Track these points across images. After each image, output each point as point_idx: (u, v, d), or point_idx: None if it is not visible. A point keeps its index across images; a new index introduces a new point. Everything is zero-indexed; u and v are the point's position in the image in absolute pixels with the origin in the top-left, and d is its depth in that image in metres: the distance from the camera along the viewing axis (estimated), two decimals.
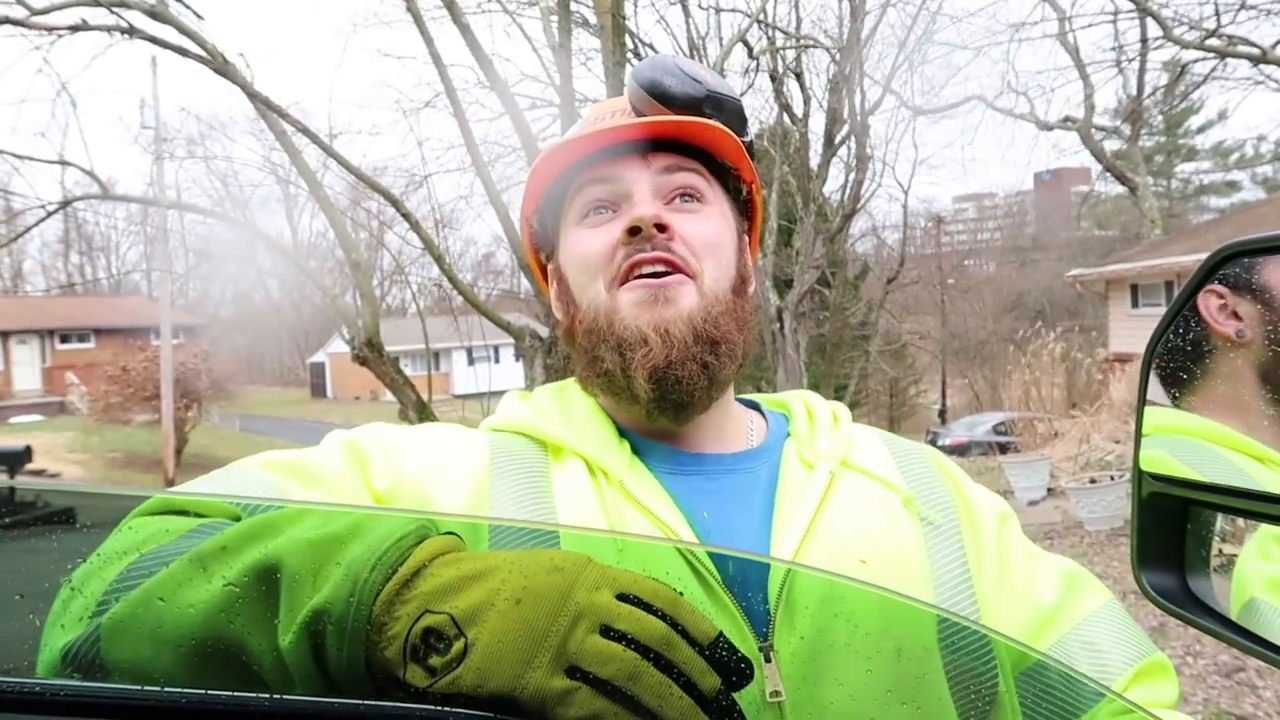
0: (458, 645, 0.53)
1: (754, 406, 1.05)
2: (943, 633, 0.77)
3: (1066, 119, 20.74)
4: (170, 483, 20.28)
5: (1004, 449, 14.01)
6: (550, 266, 1.03)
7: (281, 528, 0.60)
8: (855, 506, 0.88)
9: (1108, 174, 22.48)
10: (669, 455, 0.92)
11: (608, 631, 0.53)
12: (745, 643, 0.75)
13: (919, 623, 0.77)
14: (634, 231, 0.90)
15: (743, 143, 0.99)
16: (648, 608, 0.54)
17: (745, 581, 0.78)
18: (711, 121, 0.95)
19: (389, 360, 7.40)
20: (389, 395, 8.38)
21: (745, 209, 1.04)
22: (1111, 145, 22.07)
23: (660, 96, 0.95)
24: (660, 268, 0.90)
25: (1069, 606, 0.91)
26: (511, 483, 0.87)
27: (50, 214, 9.16)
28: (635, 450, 0.92)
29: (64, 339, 33.31)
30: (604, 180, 0.95)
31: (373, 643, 0.54)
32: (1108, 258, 22.82)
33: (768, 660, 0.75)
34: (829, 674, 0.73)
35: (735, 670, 0.55)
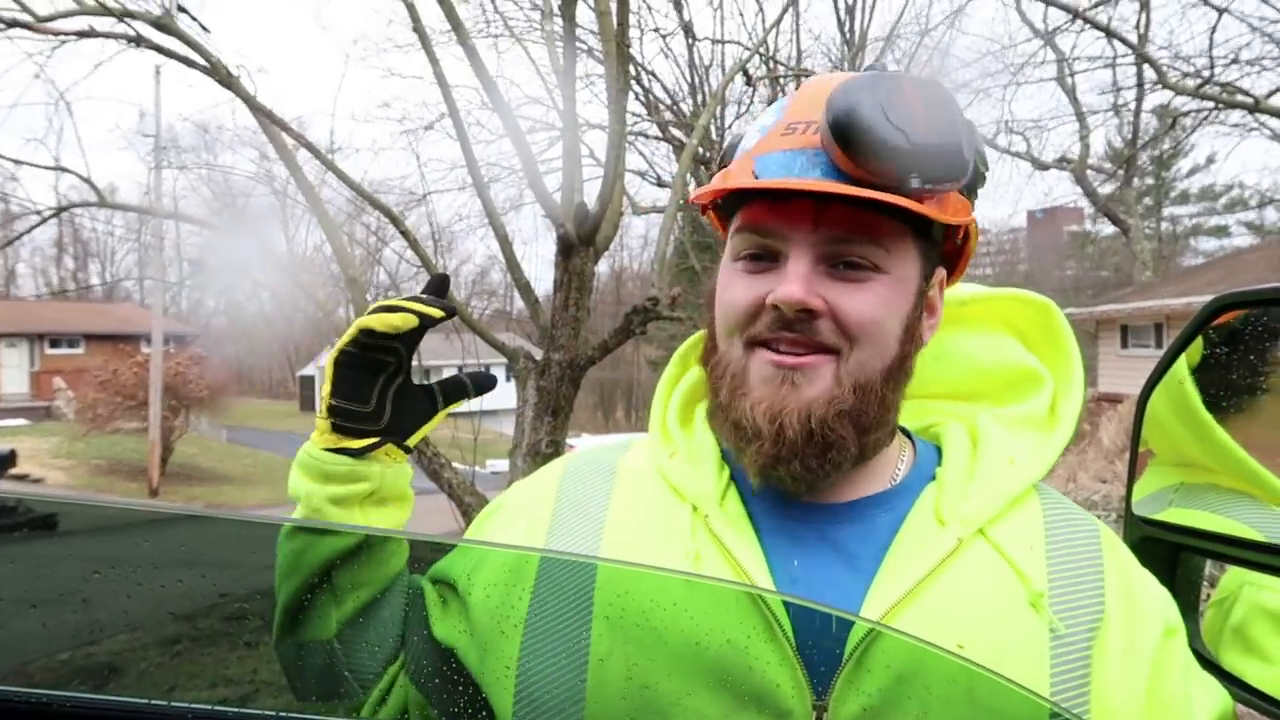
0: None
1: (908, 435, 0.95)
2: None
3: (1062, 159, 20.94)
4: (154, 492, 20.12)
5: None
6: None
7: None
8: (973, 587, 0.79)
9: (1101, 214, 22.68)
10: (776, 500, 0.86)
11: None
12: (798, 696, 0.72)
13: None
14: (777, 308, 0.82)
15: (966, 180, 0.84)
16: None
17: (819, 634, 0.73)
18: (904, 202, 0.80)
19: None
20: None
21: (947, 250, 0.92)
22: (1105, 187, 22.27)
23: (849, 147, 0.79)
24: (800, 350, 0.82)
25: None
26: (572, 514, 0.90)
27: (45, 219, 9.15)
28: (737, 484, 0.88)
29: (53, 343, 33.14)
30: (765, 233, 0.84)
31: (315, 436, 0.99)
32: (1099, 297, 22.95)
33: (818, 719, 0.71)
34: None
35: None
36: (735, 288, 0.86)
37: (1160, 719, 0.77)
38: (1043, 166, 20.76)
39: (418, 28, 6.51)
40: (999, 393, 0.98)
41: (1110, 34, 12.42)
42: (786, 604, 0.74)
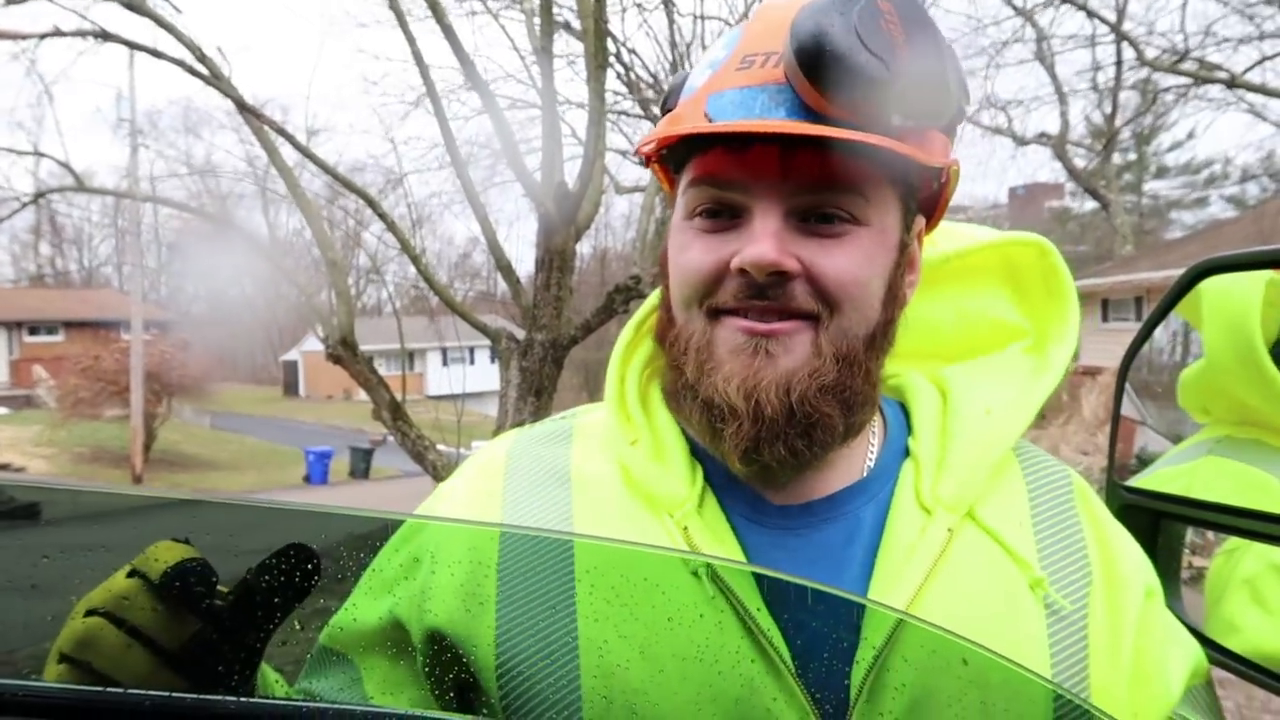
0: None
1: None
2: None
3: (1042, 135, 20.99)
4: (138, 479, 20.01)
5: None
6: (669, 212, 0.81)
7: None
8: (972, 584, 0.73)
9: (1081, 190, 22.78)
10: (754, 499, 0.77)
11: None
12: None
13: None
14: (745, 272, 0.72)
15: (951, 115, 0.75)
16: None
17: (821, 664, 0.67)
18: (889, 142, 0.69)
19: (363, 360, 7.36)
20: (362, 395, 8.32)
21: (925, 197, 0.81)
22: (1084, 162, 22.37)
23: (820, 80, 0.68)
24: (773, 319, 0.73)
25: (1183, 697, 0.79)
26: (530, 502, 0.79)
27: (25, 205, 9.03)
28: (711, 484, 0.77)
29: (32, 331, 32.84)
30: (724, 186, 0.73)
31: None
32: (1080, 272, 23.07)
33: None
34: None
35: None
36: (693, 250, 0.75)
37: (1141, 684, 0.75)
38: (1023, 142, 20.80)
39: (394, 7, 6.44)
40: (963, 350, 0.89)
41: (1089, 12, 12.43)
42: (785, 635, 0.67)
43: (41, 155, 8.62)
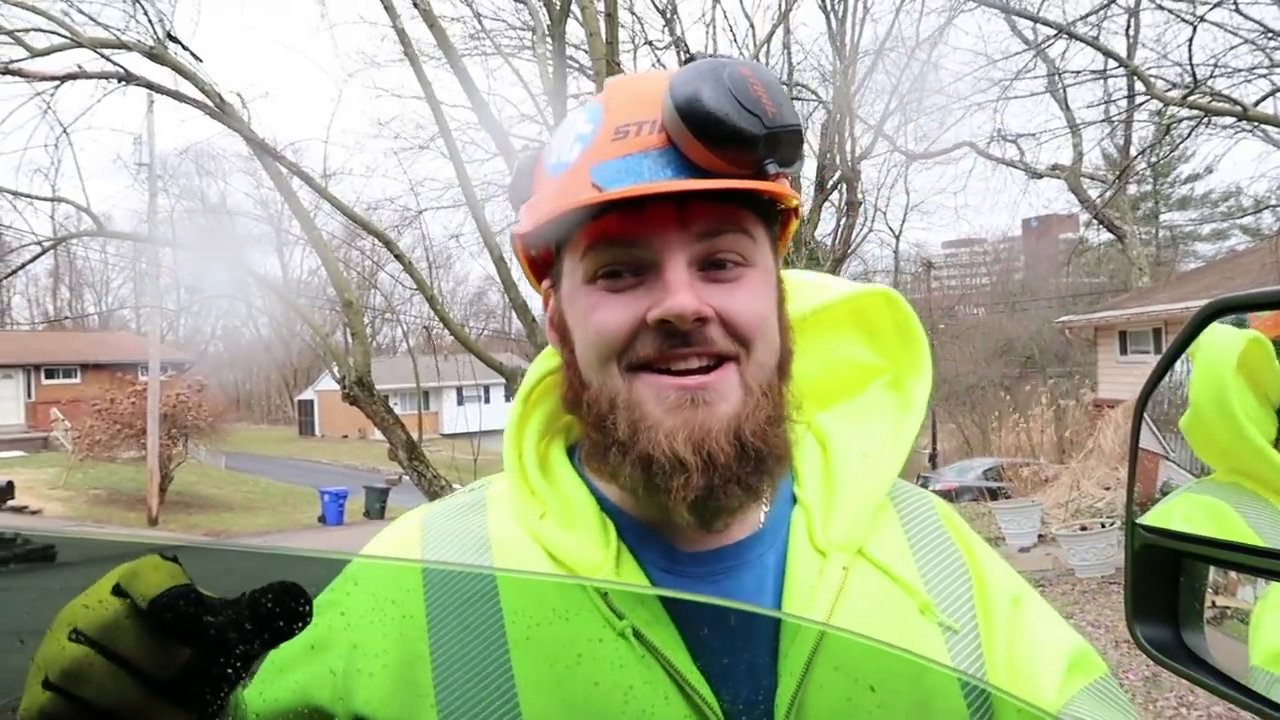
0: None
1: None
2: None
3: (1055, 167, 21.03)
4: (154, 521, 20.06)
5: (994, 495, 13.97)
6: (545, 285, 0.86)
7: None
8: (871, 616, 0.76)
9: (1096, 222, 22.77)
10: (666, 553, 0.79)
11: None
12: None
13: None
14: (666, 323, 0.74)
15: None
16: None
17: (748, 707, 0.71)
18: (774, 186, 0.76)
19: (379, 399, 7.38)
20: (378, 434, 8.33)
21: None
22: (1099, 195, 22.38)
23: (708, 138, 0.73)
24: (695, 363, 0.75)
25: (1065, 691, 0.82)
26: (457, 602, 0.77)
27: (45, 250, 9.16)
28: (624, 540, 0.79)
29: (49, 374, 33.11)
30: (629, 244, 0.76)
31: None
32: (1097, 304, 23.02)
33: None
34: None
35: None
36: (603, 311, 0.76)
37: (1018, 688, 0.78)
38: (1036, 175, 20.83)
39: (408, 53, 6.55)
40: (830, 394, 0.94)
41: (1098, 48, 12.50)
42: (711, 685, 0.71)
43: (60, 200, 8.73)
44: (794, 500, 0.84)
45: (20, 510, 19.20)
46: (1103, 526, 8.99)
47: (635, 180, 0.74)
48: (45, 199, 8.65)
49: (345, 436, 38.44)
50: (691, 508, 0.74)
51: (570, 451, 0.87)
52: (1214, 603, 0.84)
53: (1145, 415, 0.92)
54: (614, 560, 0.77)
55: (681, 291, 0.74)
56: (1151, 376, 0.85)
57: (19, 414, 32.39)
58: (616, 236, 0.76)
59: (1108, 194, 19.16)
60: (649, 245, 0.75)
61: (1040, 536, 10.64)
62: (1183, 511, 0.90)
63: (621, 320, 0.76)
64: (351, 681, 0.75)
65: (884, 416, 0.91)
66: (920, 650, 0.76)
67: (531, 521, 0.80)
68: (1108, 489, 10.77)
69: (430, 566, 0.80)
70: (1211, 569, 0.81)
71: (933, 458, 30.10)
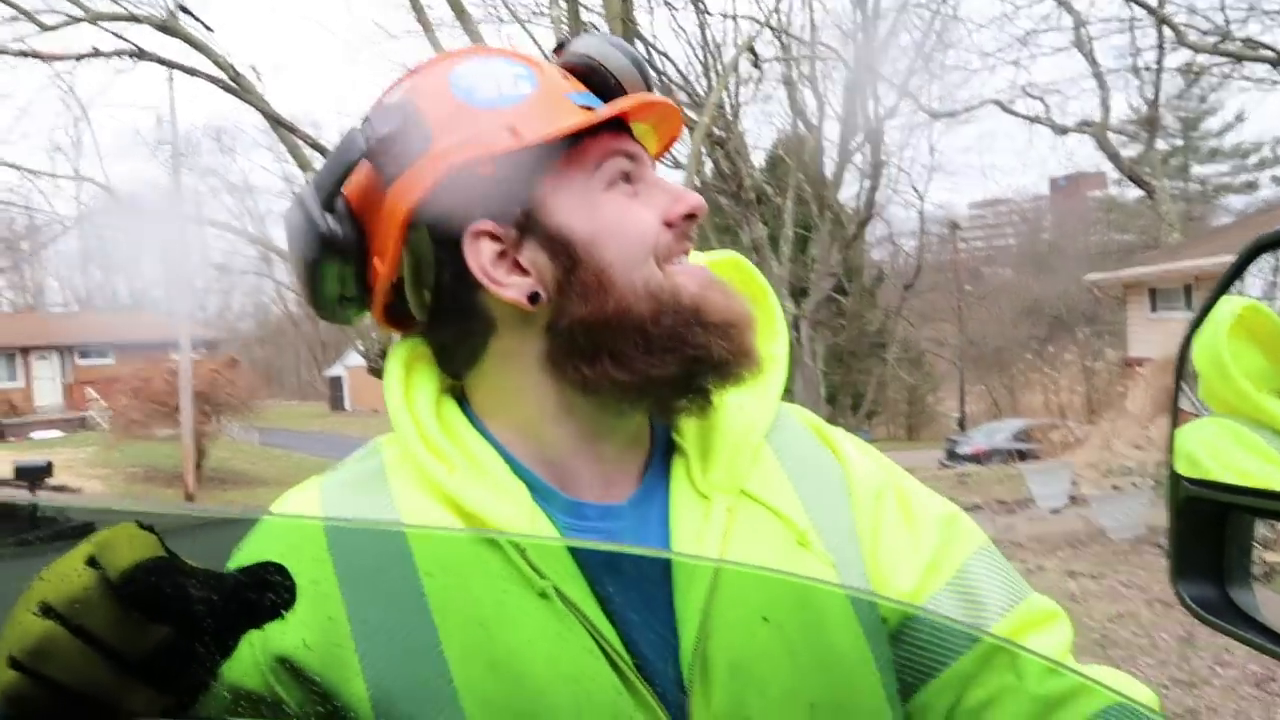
0: None
1: None
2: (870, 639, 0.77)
3: (1083, 123, 20.64)
4: (190, 497, 20.41)
5: (1024, 456, 13.89)
6: (503, 231, 0.79)
7: None
8: (759, 552, 0.79)
9: (1125, 178, 22.36)
10: (568, 506, 0.79)
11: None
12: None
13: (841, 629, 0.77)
14: (691, 218, 0.81)
15: None
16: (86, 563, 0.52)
17: (657, 657, 0.73)
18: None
19: None
20: None
21: None
22: (1128, 150, 21.95)
23: (645, 76, 0.85)
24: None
25: (942, 561, 0.85)
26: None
27: (67, 229, 9.25)
28: (535, 496, 0.79)
29: (84, 355, 33.60)
30: (632, 156, 0.82)
31: None
32: (1125, 262, 22.66)
33: None
34: None
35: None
36: (636, 211, 0.80)
37: (881, 586, 0.82)
38: (1063, 131, 20.47)
39: (421, 18, 6.51)
40: None
41: None
42: (623, 639, 0.72)
43: (83, 179, 8.80)
44: (670, 451, 0.85)
45: (60, 489, 19.58)
46: (1135, 486, 8.91)
47: (597, 103, 0.82)
48: (68, 177, 8.72)
49: (375, 410, 38.78)
50: (724, 380, 0.79)
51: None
52: (1262, 558, 0.82)
53: (1182, 372, 0.90)
54: (528, 515, 0.76)
55: (690, 191, 0.82)
56: (1192, 324, 0.83)
57: (57, 394, 32.96)
58: (621, 148, 0.81)
59: (1137, 149, 18.79)
60: (641, 159, 0.82)
61: (1071, 498, 10.57)
62: (1200, 438, 0.88)
63: (652, 218, 0.80)
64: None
65: None
66: (806, 573, 0.79)
67: (440, 479, 0.77)
68: (1139, 448, 10.65)
69: (335, 526, 0.78)
70: (1259, 521, 0.80)
71: (961, 421, 29.95)
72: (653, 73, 0.89)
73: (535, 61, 0.83)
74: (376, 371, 7.54)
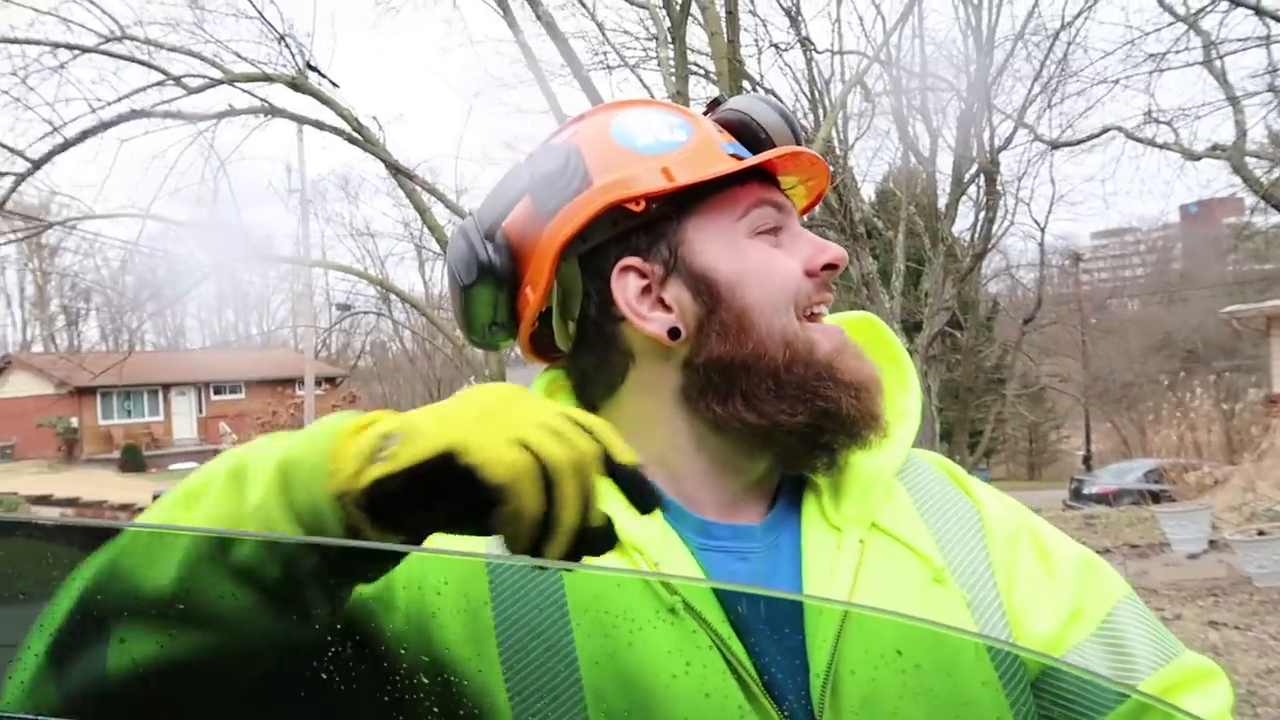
0: (409, 433, 0.56)
1: None
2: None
3: (1215, 147, 19.63)
4: None
5: (1157, 498, 13.14)
6: (649, 268, 0.81)
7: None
8: (892, 588, 0.79)
9: (1263, 203, 21.10)
10: (698, 526, 0.80)
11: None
12: None
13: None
14: (831, 269, 0.84)
15: None
16: (584, 429, 0.58)
17: (789, 683, 0.72)
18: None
19: None
20: None
21: None
22: (1267, 174, 20.74)
23: (795, 132, 0.88)
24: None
25: (1085, 608, 0.82)
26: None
27: (207, 275, 9.81)
28: (665, 515, 0.79)
29: (217, 390, 35.49)
30: (778, 205, 0.85)
31: (330, 473, 0.56)
32: (1267, 293, 21.34)
33: None
34: None
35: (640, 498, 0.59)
36: (779, 260, 0.83)
37: (1021, 634, 0.79)
38: (1194, 157, 19.48)
39: (532, 66, 6.69)
40: None
41: (1261, 12, 11.59)
42: (754, 660, 0.71)
43: (223, 228, 9.36)
44: (800, 484, 0.86)
45: None
46: None
47: (755, 160, 0.84)
48: (205, 226, 9.28)
49: None
50: (852, 440, 0.80)
51: None
52: None
53: None
54: (660, 533, 0.77)
55: (830, 243, 0.84)
56: None
57: (192, 428, 34.86)
58: (769, 198, 0.85)
59: (1276, 173, 17.75)
60: (788, 211, 0.86)
61: (1211, 542, 9.92)
62: None
63: (795, 268, 0.83)
64: (424, 620, 0.71)
65: None
66: (941, 614, 0.78)
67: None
68: None
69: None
70: None
71: (1087, 459, 28.61)
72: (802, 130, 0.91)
73: (692, 115, 0.88)
74: None
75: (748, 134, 0.87)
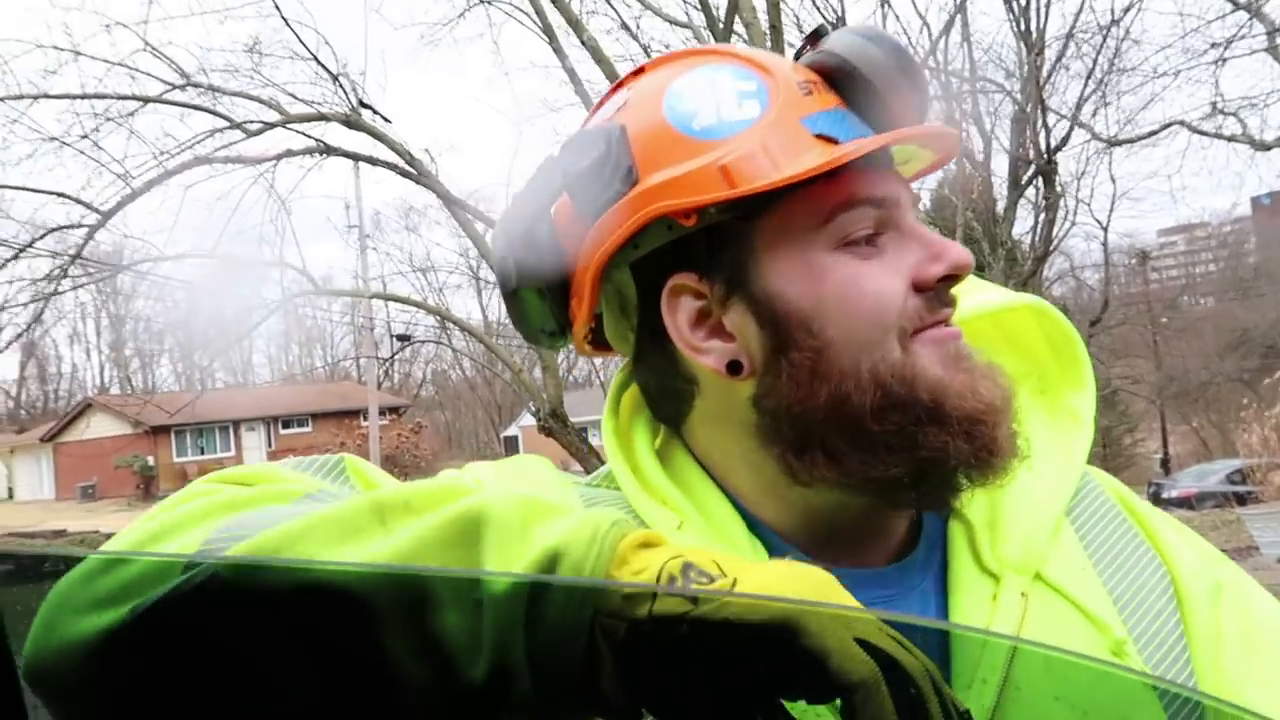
0: (724, 581, 0.46)
1: None
2: None
3: None
4: None
5: (1242, 500, 12.68)
6: (707, 287, 0.69)
7: (468, 491, 0.55)
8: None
9: None
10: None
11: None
12: None
13: None
14: (949, 279, 0.67)
15: None
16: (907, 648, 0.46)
17: None
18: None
19: (574, 430, 7.57)
20: (577, 465, 8.55)
21: None
22: None
23: (918, 82, 0.69)
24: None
25: None
26: None
27: (272, 312, 10.07)
28: (772, 555, 0.69)
29: (285, 424, 36.27)
30: (876, 204, 0.67)
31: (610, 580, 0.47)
32: None
33: None
34: None
35: None
36: (873, 278, 0.66)
37: (1225, 691, 0.66)
38: (1264, 147, 18.85)
39: (579, 91, 6.75)
40: None
41: None
42: None
43: (285, 265, 9.62)
44: (945, 516, 0.72)
45: None
46: None
47: (859, 134, 0.66)
48: (273, 265, 9.55)
49: None
50: (972, 482, 0.66)
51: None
52: None
53: None
54: None
55: (952, 243, 0.67)
56: None
57: (262, 461, 35.66)
58: (865, 196, 0.66)
59: None
60: (895, 203, 0.67)
61: None
62: None
63: (897, 285, 0.66)
64: None
65: (1037, 423, 0.75)
66: (1119, 698, 0.63)
67: (665, 531, 0.65)
68: None
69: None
70: None
71: (1165, 462, 27.71)
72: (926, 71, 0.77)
73: (771, 69, 0.69)
74: (546, 429, 7.73)
75: (853, 86, 0.68)
